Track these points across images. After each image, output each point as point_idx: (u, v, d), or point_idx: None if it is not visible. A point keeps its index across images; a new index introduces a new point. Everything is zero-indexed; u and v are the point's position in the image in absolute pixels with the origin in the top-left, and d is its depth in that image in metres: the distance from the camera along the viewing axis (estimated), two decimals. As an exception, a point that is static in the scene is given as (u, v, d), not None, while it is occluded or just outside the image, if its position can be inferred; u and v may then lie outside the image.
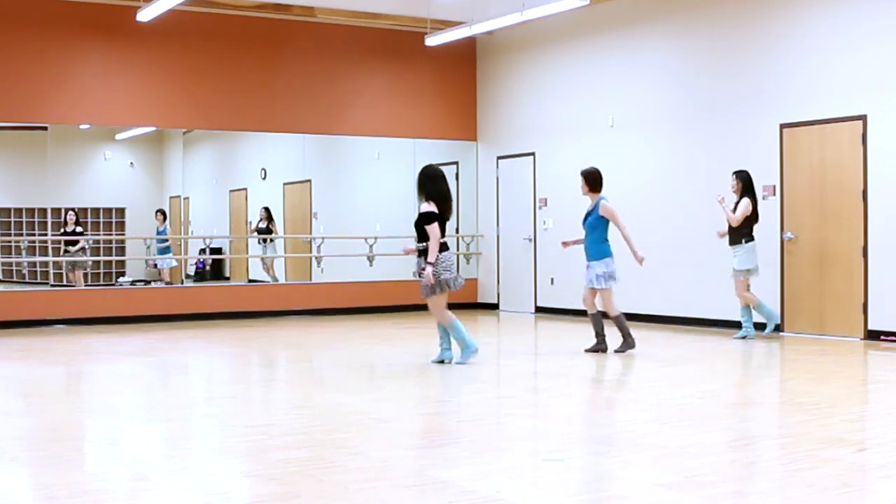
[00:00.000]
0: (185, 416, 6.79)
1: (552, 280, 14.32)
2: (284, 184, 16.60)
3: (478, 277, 15.72)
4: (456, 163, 15.97)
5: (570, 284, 14.04)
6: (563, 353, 9.70)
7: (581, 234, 9.69)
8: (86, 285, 14.31)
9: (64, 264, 14.36)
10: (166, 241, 15.18)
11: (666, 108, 12.62)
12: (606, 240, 9.48)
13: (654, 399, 7.14)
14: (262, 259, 16.06)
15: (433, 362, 8.81)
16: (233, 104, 14.07)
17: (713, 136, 11.99)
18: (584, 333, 11.67)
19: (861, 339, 10.34)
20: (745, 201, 10.54)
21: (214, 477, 4.95)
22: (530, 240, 14.74)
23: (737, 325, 11.16)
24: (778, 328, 10.95)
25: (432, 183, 8.67)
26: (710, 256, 11.78)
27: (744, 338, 10.60)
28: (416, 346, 10.94)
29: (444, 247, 8.64)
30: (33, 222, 14.99)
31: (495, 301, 15.44)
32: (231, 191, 16.97)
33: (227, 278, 16.44)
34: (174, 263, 15.28)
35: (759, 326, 10.91)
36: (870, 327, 10.33)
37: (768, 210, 11.22)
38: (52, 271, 15.02)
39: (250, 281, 15.89)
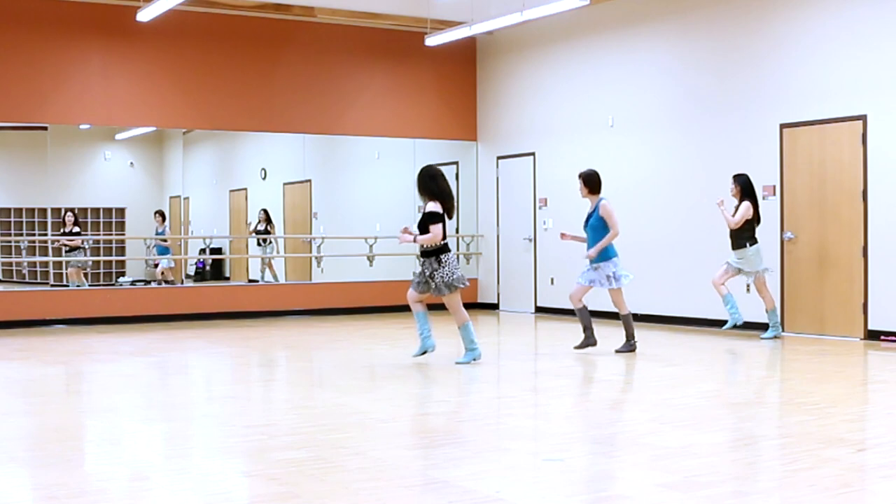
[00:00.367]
0: (185, 416, 6.79)
1: (552, 280, 14.32)
2: (284, 184, 16.60)
3: (478, 277, 15.73)
4: (456, 163, 15.97)
5: (570, 284, 14.04)
6: (563, 353, 9.70)
7: (583, 236, 9.70)
8: (87, 285, 14.30)
9: (64, 265, 14.36)
10: (165, 241, 15.17)
11: (666, 108, 12.62)
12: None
13: (654, 399, 7.13)
14: (262, 259, 16.05)
15: (415, 356, 8.88)
16: (233, 104, 14.07)
17: (713, 136, 11.99)
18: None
19: (861, 339, 10.34)
20: (746, 205, 10.52)
21: (214, 477, 4.95)
22: (530, 240, 14.74)
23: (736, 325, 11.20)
24: (737, 326, 10.75)
25: (434, 182, 8.68)
26: (710, 256, 11.77)
27: (774, 337, 10.60)
28: (416, 346, 10.93)
29: (446, 248, 8.67)
30: (33, 222, 14.99)
31: (495, 301, 15.44)
32: (231, 191, 16.97)
33: (227, 278, 16.45)
34: (172, 264, 15.27)
35: (760, 326, 10.89)
36: (870, 327, 10.33)
37: (768, 210, 11.22)
38: (52, 271, 15.03)
39: (250, 281, 15.89)
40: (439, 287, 8.63)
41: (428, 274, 8.66)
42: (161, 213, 15.26)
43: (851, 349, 9.84)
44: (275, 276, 15.89)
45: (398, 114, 15.21)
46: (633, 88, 13.05)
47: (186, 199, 15.59)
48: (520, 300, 14.95)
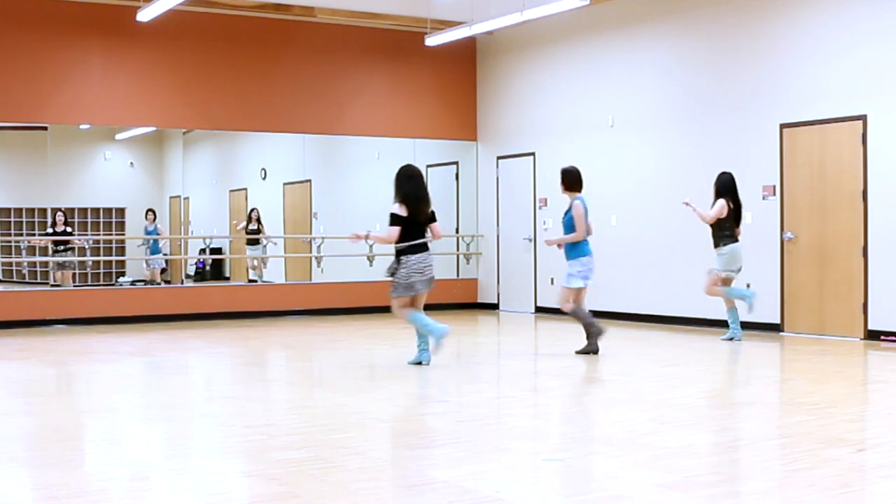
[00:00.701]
0: (185, 416, 6.79)
1: (552, 280, 14.31)
2: (284, 184, 16.60)
3: (478, 277, 15.72)
4: (456, 163, 15.97)
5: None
6: (563, 353, 9.70)
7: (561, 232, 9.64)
8: (75, 285, 14.17)
9: (51, 265, 14.30)
10: (157, 240, 15.12)
11: (666, 108, 12.62)
12: (583, 239, 9.40)
13: (654, 399, 7.13)
14: (253, 259, 15.96)
15: (410, 364, 8.71)
16: (233, 104, 14.07)
17: (713, 136, 11.99)
18: (584, 333, 11.66)
19: (861, 339, 10.34)
20: (720, 203, 10.34)
21: (214, 477, 4.95)
22: (530, 240, 14.74)
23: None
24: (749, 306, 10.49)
25: (408, 183, 8.54)
26: (710, 256, 11.76)
27: (731, 339, 10.43)
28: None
29: (418, 248, 8.49)
30: (33, 222, 14.99)
31: (495, 301, 15.43)
32: (231, 191, 16.97)
33: (227, 278, 16.45)
34: (162, 264, 15.24)
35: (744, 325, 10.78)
36: (870, 327, 10.33)
37: (768, 210, 11.23)
38: (52, 271, 15.03)
39: (250, 281, 15.89)
40: (394, 286, 8.55)
41: (390, 273, 8.61)
42: (153, 212, 15.18)
43: (851, 349, 9.84)
44: (260, 276, 15.81)
45: (398, 114, 15.21)
46: (633, 88, 13.05)
47: (186, 199, 15.58)
48: (520, 300, 14.95)
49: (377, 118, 15.07)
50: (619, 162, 13.16)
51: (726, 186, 10.43)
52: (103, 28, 13.23)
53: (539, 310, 14.58)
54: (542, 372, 8.88)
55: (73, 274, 14.37)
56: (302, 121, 14.55)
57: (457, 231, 15.81)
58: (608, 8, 13.24)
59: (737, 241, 10.42)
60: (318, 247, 15.34)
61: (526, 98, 14.78)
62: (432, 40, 13.24)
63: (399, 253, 8.51)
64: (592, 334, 9.37)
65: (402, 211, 8.47)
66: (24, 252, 14.47)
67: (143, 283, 15.03)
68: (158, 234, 15.07)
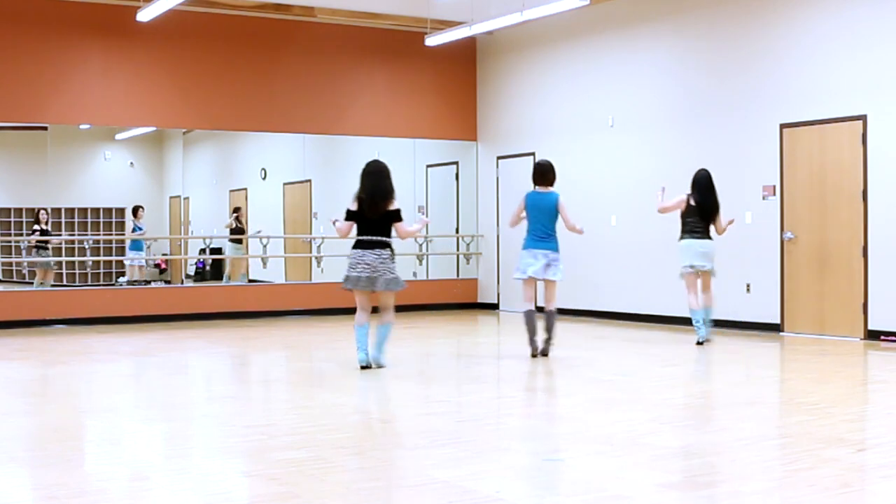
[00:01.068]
0: (185, 416, 6.79)
1: (552, 280, 14.31)
2: (284, 184, 16.60)
3: (478, 277, 15.72)
4: (456, 163, 15.97)
5: (569, 284, 14.04)
6: (563, 354, 9.70)
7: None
8: (51, 284, 14.18)
9: (27, 264, 14.25)
10: (141, 237, 15.07)
11: (666, 108, 12.62)
12: (529, 231, 9.52)
13: (654, 399, 7.14)
14: (233, 260, 15.88)
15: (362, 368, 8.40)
16: (233, 104, 14.07)
17: (713, 136, 11.99)
18: (584, 333, 11.68)
19: (861, 339, 10.34)
20: (678, 196, 10.18)
21: (214, 477, 4.95)
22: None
23: (736, 325, 11.20)
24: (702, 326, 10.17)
25: (362, 179, 8.48)
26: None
27: (698, 342, 10.09)
28: (416, 346, 10.95)
29: (360, 244, 8.38)
30: (33, 222, 14.99)
31: (495, 301, 15.43)
32: (231, 191, 16.97)
33: (228, 278, 16.44)
34: (142, 262, 15.19)
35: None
36: (870, 327, 10.33)
37: (768, 210, 11.23)
38: (36, 269, 15.04)
39: (250, 281, 15.89)
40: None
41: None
42: (142, 208, 15.11)
43: (851, 349, 9.84)
44: (245, 276, 15.71)
45: (398, 114, 15.21)
46: (633, 88, 13.05)
47: (186, 199, 15.58)
48: (520, 300, 14.90)
49: (377, 118, 15.07)
50: (619, 162, 13.16)
51: (694, 182, 10.17)
52: (103, 28, 13.23)
53: (539, 310, 14.54)
54: (542, 372, 8.88)
55: (47, 273, 14.32)
56: (302, 121, 14.55)
57: (457, 231, 15.81)
58: (608, 8, 13.24)
59: (695, 237, 10.05)
60: (318, 247, 15.33)
61: (526, 98, 14.78)
62: (432, 40, 13.24)
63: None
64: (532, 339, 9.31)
65: (353, 206, 8.45)
66: (24, 252, 14.48)
67: (143, 283, 15.02)
68: (142, 232, 15.00)
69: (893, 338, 10.06)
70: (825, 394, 7.29)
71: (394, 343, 10.93)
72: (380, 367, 8.42)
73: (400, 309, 14.71)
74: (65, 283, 14.82)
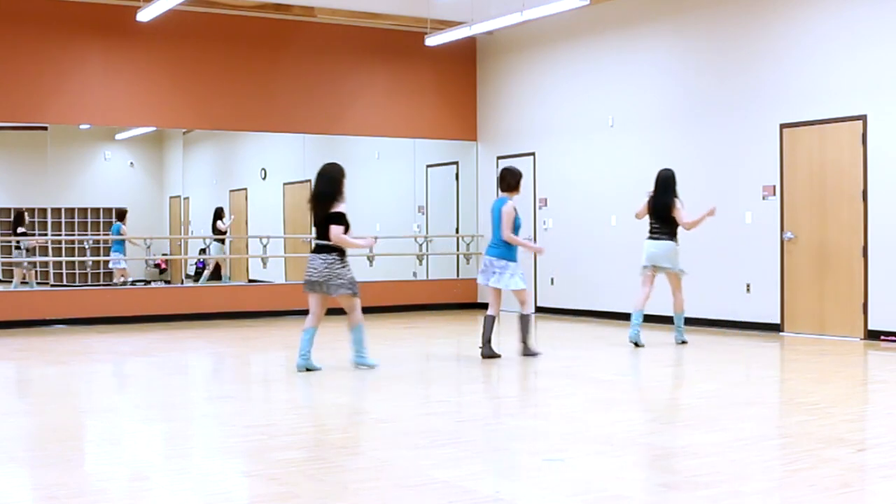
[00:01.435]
0: (185, 416, 6.80)
1: (552, 280, 14.32)
2: (284, 184, 16.59)
3: (478, 277, 15.69)
4: (456, 163, 15.97)
5: (570, 284, 14.05)
6: (563, 353, 9.70)
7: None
8: (34, 284, 14.15)
9: (14, 263, 14.27)
10: (121, 240, 15.03)
11: (666, 108, 12.62)
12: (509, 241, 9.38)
13: (654, 399, 7.13)
14: (218, 260, 15.83)
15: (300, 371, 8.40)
16: (233, 104, 14.07)
17: (713, 136, 11.99)
18: (584, 333, 11.68)
19: (861, 339, 10.34)
20: (643, 199, 10.23)
21: (214, 477, 4.95)
22: (531, 240, 14.72)
23: (736, 325, 11.19)
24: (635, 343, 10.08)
25: (314, 181, 8.47)
26: (709, 256, 11.79)
27: (680, 342, 10.19)
28: (417, 345, 10.95)
29: (314, 248, 8.39)
30: (33, 222, 14.98)
31: (495, 301, 15.41)
32: (231, 191, 16.97)
33: (228, 278, 16.43)
34: (122, 265, 15.13)
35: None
36: (870, 327, 10.33)
37: (768, 210, 11.23)
38: (52, 271, 15.04)
39: (250, 281, 15.88)
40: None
41: None
42: (125, 212, 15.05)
43: (851, 349, 9.84)
44: (227, 276, 15.67)
45: (398, 114, 15.21)
46: (633, 88, 13.05)
47: (186, 199, 15.58)
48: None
49: (377, 118, 15.07)
50: (619, 162, 13.16)
51: (656, 183, 10.19)
52: (103, 28, 13.23)
53: (539, 310, 14.57)
54: (542, 372, 8.88)
55: (24, 273, 14.33)
56: (302, 121, 14.55)
57: (457, 231, 15.81)
58: (608, 8, 13.24)
59: (652, 238, 10.08)
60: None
61: (526, 98, 14.78)
62: (432, 40, 13.24)
63: None
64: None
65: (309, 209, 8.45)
66: (24, 252, 14.47)
67: (143, 283, 15.01)
68: (121, 234, 14.95)
69: (893, 338, 10.06)
70: (825, 394, 7.29)
71: (394, 343, 10.94)
72: (370, 367, 8.43)
73: (400, 309, 14.81)
74: (65, 283, 14.80)
